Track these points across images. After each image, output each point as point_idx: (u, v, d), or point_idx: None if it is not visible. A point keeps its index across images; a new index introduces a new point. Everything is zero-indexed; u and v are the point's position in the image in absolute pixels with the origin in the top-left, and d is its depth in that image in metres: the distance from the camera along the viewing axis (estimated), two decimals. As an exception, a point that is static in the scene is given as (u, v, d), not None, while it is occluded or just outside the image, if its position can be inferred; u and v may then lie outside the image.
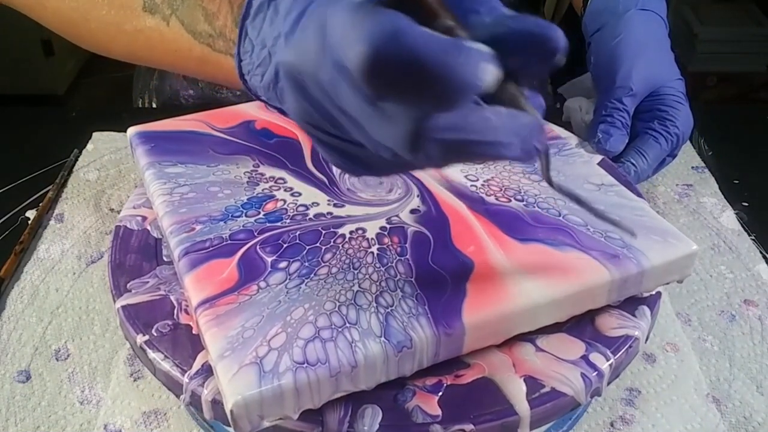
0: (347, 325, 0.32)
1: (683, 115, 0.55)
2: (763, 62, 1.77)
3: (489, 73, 0.25)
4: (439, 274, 0.35)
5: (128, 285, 0.39)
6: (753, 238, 0.55)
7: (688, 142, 0.65)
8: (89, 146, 0.65)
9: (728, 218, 0.57)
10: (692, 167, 0.63)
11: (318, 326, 0.32)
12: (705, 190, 0.60)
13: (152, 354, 0.35)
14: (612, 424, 0.41)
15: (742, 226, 0.56)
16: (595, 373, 0.34)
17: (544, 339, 0.36)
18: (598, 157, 0.50)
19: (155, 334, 0.36)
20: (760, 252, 0.54)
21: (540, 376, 0.34)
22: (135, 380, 0.43)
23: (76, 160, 0.63)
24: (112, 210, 0.58)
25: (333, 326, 0.32)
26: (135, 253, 0.41)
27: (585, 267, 0.36)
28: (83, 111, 0.72)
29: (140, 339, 0.35)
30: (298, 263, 0.36)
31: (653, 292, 0.38)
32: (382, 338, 0.31)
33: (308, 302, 0.33)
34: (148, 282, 0.39)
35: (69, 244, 0.54)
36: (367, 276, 0.35)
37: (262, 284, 0.34)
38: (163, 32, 0.42)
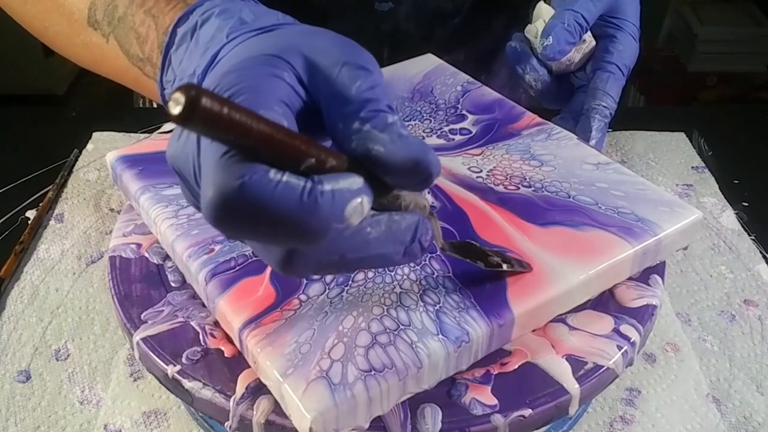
0: (401, 327, 0.32)
1: (629, 44, 0.52)
2: (763, 62, 1.76)
3: (355, 212, 0.24)
4: (474, 266, 0.34)
5: (142, 316, 0.37)
6: (753, 238, 0.55)
7: (688, 142, 0.66)
8: (89, 146, 0.65)
9: (728, 218, 0.57)
10: (692, 167, 0.63)
11: (373, 332, 0.32)
12: (705, 190, 0.60)
13: (189, 383, 0.33)
14: (612, 424, 0.41)
15: (742, 226, 0.56)
16: (629, 343, 0.35)
17: (573, 317, 0.36)
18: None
19: (186, 362, 0.34)
20: (760, 252, 0.54)
21: (580, 354, 0.34)
22: (135, 380, 0.43)
23: (76, 160, 0.63)
24: (112, 210, 0.58)
25: (387, 330, 0.32)
26: (139, 283, 0.39)
27: (608, 243, 0.36)
28: (83, 111, 0.72)
29: (171, 370, 0.34)
30: None
31: (658, 262, 0.39)
32: (440, 335, 0.31)
33: (355, 309, 0.33)
34: (162, 311, 0.37)
35: (69, 244, 0.54)
36: (405, 276, 0.35)
37: (303, 297, 0.34)
38: (104, 49, 0.41)
